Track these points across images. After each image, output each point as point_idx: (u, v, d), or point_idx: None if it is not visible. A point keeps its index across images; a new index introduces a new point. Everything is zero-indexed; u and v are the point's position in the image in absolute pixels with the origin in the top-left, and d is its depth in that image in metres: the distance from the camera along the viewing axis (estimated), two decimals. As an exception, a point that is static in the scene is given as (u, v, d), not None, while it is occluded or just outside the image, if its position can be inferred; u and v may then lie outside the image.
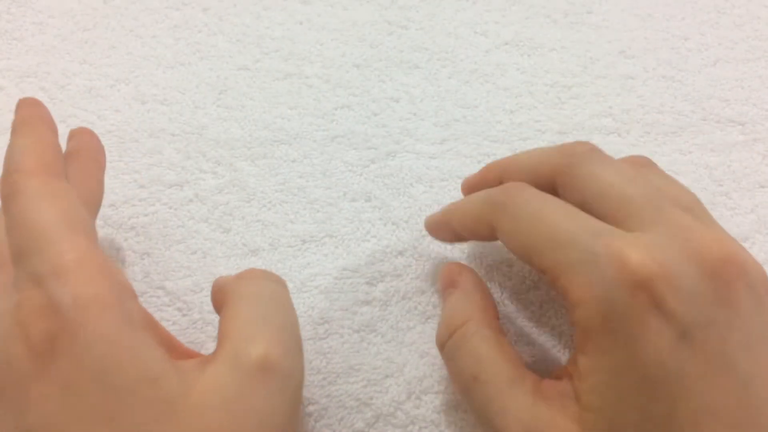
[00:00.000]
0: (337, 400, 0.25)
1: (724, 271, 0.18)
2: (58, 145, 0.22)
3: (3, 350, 0.17)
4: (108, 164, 0.31)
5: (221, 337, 0.20)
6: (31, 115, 0.22)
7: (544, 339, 0.26)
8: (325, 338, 0.26)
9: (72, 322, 0.17)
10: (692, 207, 0.21)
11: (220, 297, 0.21)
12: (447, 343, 0.22)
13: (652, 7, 0.39)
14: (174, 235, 0.29)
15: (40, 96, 0.33)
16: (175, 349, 0.22)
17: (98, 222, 0.29)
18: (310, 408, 0.25)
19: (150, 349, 0.18)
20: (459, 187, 0.31)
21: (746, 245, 0.29)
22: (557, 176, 0.22)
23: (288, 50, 0.36)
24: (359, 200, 0.30)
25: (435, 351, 0.26)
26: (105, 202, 0.30)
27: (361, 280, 0.28)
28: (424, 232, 0.29)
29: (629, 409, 0.17)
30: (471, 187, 0.26)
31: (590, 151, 0.22)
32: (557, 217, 0.20)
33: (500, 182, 0.24)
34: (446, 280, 0.25)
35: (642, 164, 0.24)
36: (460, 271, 0.25)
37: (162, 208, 0.30)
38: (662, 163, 0.32)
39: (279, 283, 0.22)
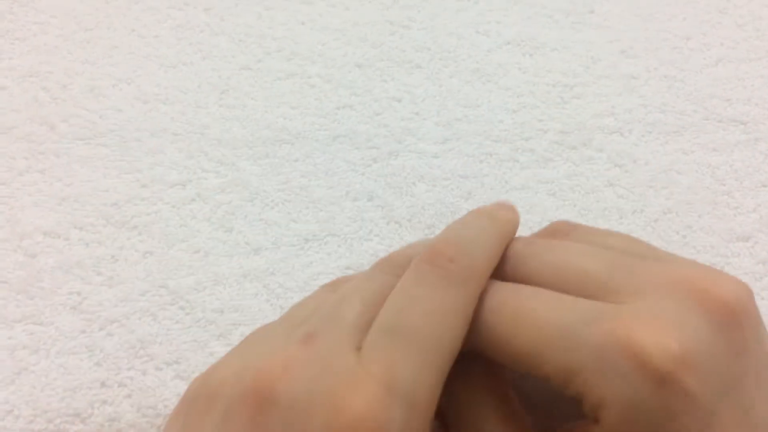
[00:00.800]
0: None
1: (733, 315, 0.17)
2: None
3: (306, 416, 0.16)
4: (110, 163, 0.31)
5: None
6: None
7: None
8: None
9: None
10: (644, 251, 0.20)
11: None
12: (445, 407, 0.20)
13: (654, 6, 0.39)
14: (176, 234, 0.29)
15: (42, 96, 0.33)
16: None
17: (100, 221, 0.29)
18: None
19: None
20: (461, 186, 0.31)
21: (748, 245, 0.29)
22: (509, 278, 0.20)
23: (290, 50, 0.36)
24: (361, 199, 0.30)
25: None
26: (107, 201, 0.30)
27: (364, 279, 0.28)
28: (427, 232, 0.29)
29: None
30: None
31: (525, 245, 0.21)
32: (538, 308, 0.18)
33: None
34: None
35: (567, 232, 0.22)
36: None
37: (164, 207, 0.30)
38: (664, 162, 0.32)
39: None
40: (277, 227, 0.29)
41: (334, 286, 0.23)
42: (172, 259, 0.28)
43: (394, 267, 0.21)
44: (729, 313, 0.17)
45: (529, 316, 0.18)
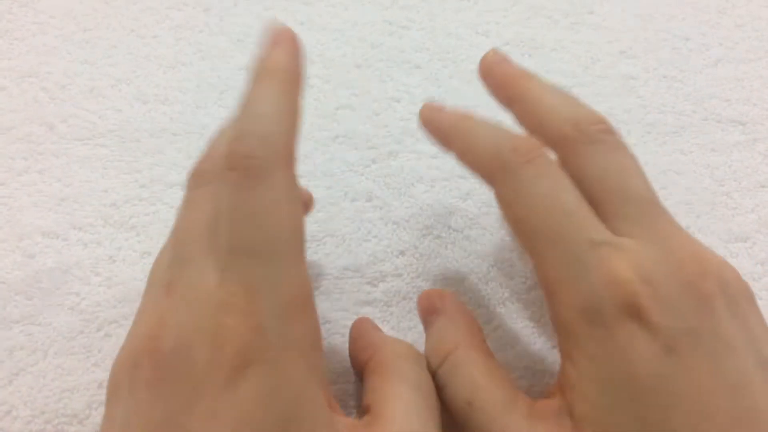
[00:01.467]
0: (337, 400, 0.25)
1: (701, 282, 0.18)
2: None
3: (191, 355, 0.17)
4: (109, 164, 0.31)
5: (381, 411, 0.20)
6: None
7: (545, 339, 0.26)
8: (326, 338, 0.26)
9: (271, 357, 0.17)
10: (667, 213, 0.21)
11: (372, 358, 0.22)
12: (438, 371, 0.22)
13: (653, 7, 0.39)
14: (175, 234, 0.29)
15: (41, 96, 0.33)
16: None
17: (98, 222, 0.29)
18: (311, 407, 0.24)
19: (323, 408, 0.18)
20: (460, 186, 0.31)
21: (747, 245, 0.29)
22: (561, 146, 0.22)
23: (289, 50, 0.36)
24: (360, 200, 0.30)
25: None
26: (106, 201, 0.30)
27: (362, 280, 0.28)
28: (426, 232, 0.29)
29: (623, 418, 0.18)
30: (489, 81, 0.25)
31: (600, 132, 0.22)
32: (560, 209, 0.20)
33: (510, 106, 0.24)
34: (427, 307, 0.24)
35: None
36: (440, 296, 0.24)
37: (163, 208, 0.30)
38: (663, 163, 0.32)
39: (428, 374, 0.22)
40: (276, 228, 0.29)
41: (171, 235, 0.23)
42: (170, 259, 0.28)
43: (204, 178, 0.20)
44: (701, 280, 0.18)
45: (558, 204, 0.20)
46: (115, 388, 0.18)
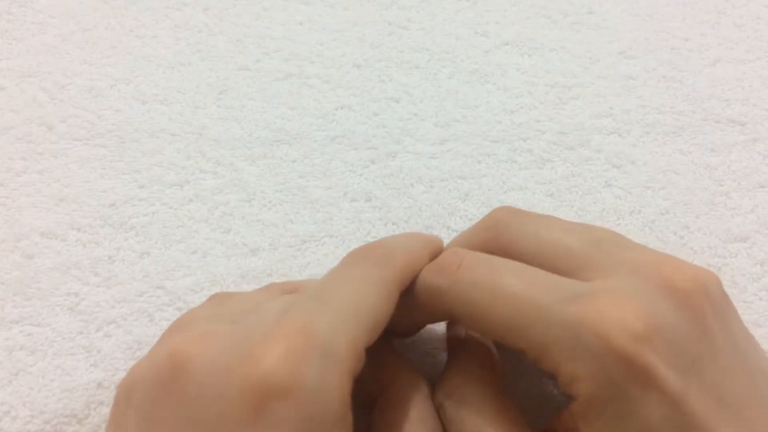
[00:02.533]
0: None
1: (693, 296, 0.18)
2: None
3: (222, 381, 0.16)
4: (108, 164, 0.31)
5: None
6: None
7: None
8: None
9: (300, 403, 0.16)
10: (620, 240, 0.21)
11: (386, 389, 0.22)
12: (445, 403, 0.21)
13: (653, 7, 0.39)
14: (174, 234, 0.29)
15: (40, 96, 0.33)
16: None
17: (98, 222, 0.29)
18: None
19: None
20: (459, 187, 0.31)
21: (746, 245, 0.29)
22: (490, 251, 0.21)
23: (288, 50, 0.36)
24: (359, 200, 0.30)
25: (436, 351, 0.26)
26: (105, 201, 0.30)
27: (361, 280, 0.28)
28: (425, 231, 0.29)
29: None
30: None
31: (511, 214, 0.22)
32: (514, 285, 0.19)
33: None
34: (451, 337, 0.24)
35: (554, 217, 0.23)
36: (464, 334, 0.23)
37: (162, 208, 0.30)
38: (662, 163, 0.32)
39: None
40: (275, 228, 0.29)
41: (265, 289, 0.23)
42: (169, 259, 0.28)
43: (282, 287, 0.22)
44: (691, 298, 0.18)
45: (506, 291, 0.19)
46: (127, 394, 0.18)
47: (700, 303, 0.18)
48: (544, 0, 0.39)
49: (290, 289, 0.22)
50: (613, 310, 0.17)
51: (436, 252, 0.22)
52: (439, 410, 0.21)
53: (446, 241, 0.29)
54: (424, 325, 0.25)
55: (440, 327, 0.26)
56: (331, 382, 0.17)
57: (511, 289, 0.19)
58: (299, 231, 0.29)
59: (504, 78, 0.35)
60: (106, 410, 0.24)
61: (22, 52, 0.35)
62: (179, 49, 0.36)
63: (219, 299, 0.23)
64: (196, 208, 0.30)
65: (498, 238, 0.21)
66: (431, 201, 0.30)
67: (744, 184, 0.31)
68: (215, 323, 0.19)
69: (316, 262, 0.28)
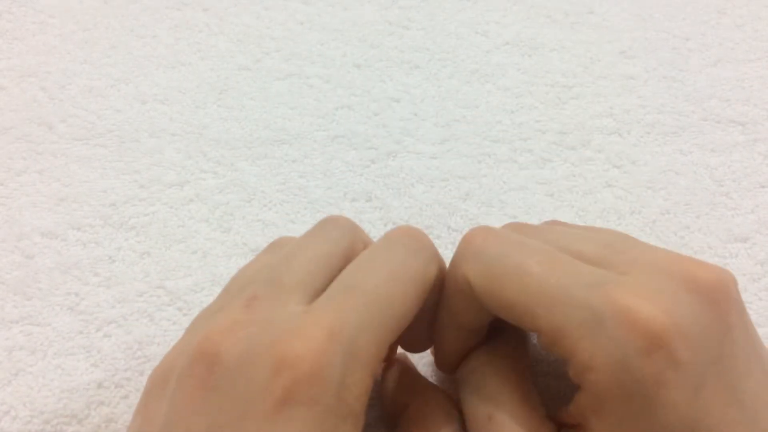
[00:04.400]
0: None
1: (718, 295, 0.17)
2: None
3: (249, 371, 0.16)
4: (108, 164, 0.31)
5: None
6: None
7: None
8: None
9: (324, 403, 0.16)
10: (633, 242, 0.21)
11: (411, 403, 0.21)
12: (464, 371, 0.21)
13: (653, 7, 0.39)
14: (174, 234, 0.29)
15: (40, 96, 0.33)
16: None
17: (98, 222, 0.29)
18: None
19: None
20: (459, 187, 0.31)
21: (746, 245, 0.29)
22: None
23: (289, 50, 0.36)
24: (360, 200, 0.30)
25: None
26: (105, 201, 0.30)
27: (362, 280, 0.28)
28: (425, 232, 0.29)
29: None
30: None
31: (519, 228, 0.22)
32: (541, 267, 0.18)
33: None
34: None
35: (558, 224, 0.23)
36: None
37: (162, 208, 0.30)
38: (662, 163, 0.32)
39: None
40: (275, 228, 0.29)
41: (273, 247, 0.23)
42: (169, 259, 0.28)
43: (338, 225, 0.21)
44: (715, 294, 0.17)
45: (531, 268, 0.18)
46: (161, 380, 0.18)
47: (724, 300, 0.17)
48: (544, 0, 0.39)
49: (346, 250, 0.21)
50: (640, 300, 0.17)
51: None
52: (458, 383, 0.21)
53: (447, 241, 0.29)
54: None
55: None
56: (352, 379, 0.17)
57: (537, 267, 0.18)
58: (299, 231, 0.29)
59: (504, 78, 0.35)
60: (106, 410, 0.24)
61: (22, 51, 0.35)
62: (179, 49, 0.36)
63: (273, 248, 0.22)
64: (197, 208, 0.30)
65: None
66: (431, 201, 0.30)
67: (744, 185, 0.31)
68: (233, 304, 0.19)
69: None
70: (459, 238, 0.29)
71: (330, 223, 0.22)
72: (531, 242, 0.20)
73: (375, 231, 0.29)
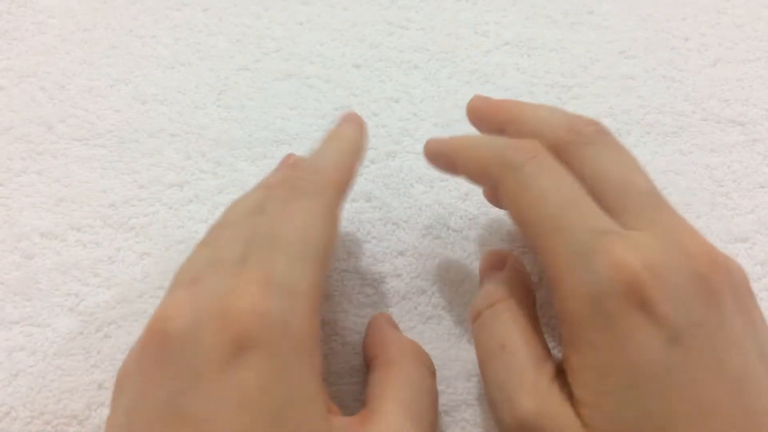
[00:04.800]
0: (338, 401, 0.25)
1: (712, 275, 0.18)
2: None
3: (197, 336, 0.17)
4: (107, 164, 0.31)
5: (376, 407, 0.20)
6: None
7: (547, 338, 0.26)
8: (325, 340, 0.26)
9: (273, 345, 0.17)
10: (663, 200, 0.22)
11: (380, 354, 0.23)
12: (484, 312, 0.22)
13: (653, 7, 0.39)
14: (174, 235, 0.29)
15: (40, 96, 0.33)
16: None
17: (97, 222, 0.29)
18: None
19: (319, 403, 0.18)
20: (459, 187, 0.31)
21: (746, 246, 0.29)
22: (560, 150, 0.22)
23: (288, 50, 0.36)
24: (359, 200, 0.30)
25: (436, 352, 0.26)
26: (104, 202, 0.30)
27: (362, 281, 0.28)
28: (425, 232, 0.29)
29: (622, 404, 0.18)
30: (480, 117, 0.26)
31: (595, 132, 0.22)
32: (564, 200, 0.20)
33: (504, 129, 0.24)
34: (489, 264, 0.25)
35: (615, 146, 0.24)
36: (504, 257, 0.25)
37: (162, 209, 0.30)
38: (662, 163, 0.32)
39: (433, 375, 0.23)
40: (275, 228, 0.29)
41: (206, 239, 0.24)
42: (169, 260, 0.28)
43: (261, 187, 0.24)
44: (711, 273, 0.18)
45: (554, 196, 0.20)
46: (124, 376, 0.19)
47: (719, 281, 0.18)
48: (544, 0, 0.39)
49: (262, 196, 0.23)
50: (633, 252, 0.18)
51: (360, 150, 0.24)
52: (472, 319, 0.23)
53: (447, 241, 0.29)
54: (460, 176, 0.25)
55: (435, 295, 0.26)
56: (296, 317, 0.18)
57: (559, 198, 0.20)
58: (299, 231, 0.29)
59: (504, 78, 0.35)
60: (106, 411, 0.24)
61: (21, 51, 0.35)
62: (179, 49, 0.36)
63: (206, 240, 0.23)
64: (196, 208, 0.30)
65: (573, 146, 0.22)
66: (431, 201, 0.30)
67: (744, 185, 0.31)
68: (179, 291, 0.19)
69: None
70: (459, 237, 0.29)
71: (253, 193, 0.23)
72: (565, 174, 0.21)
73: (375, 231, 0.29)
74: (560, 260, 0.19)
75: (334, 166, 0.23)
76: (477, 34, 0.37)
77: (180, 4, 0.38)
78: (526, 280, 0.24)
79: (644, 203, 0.21)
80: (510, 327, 0.22)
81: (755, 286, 0.28)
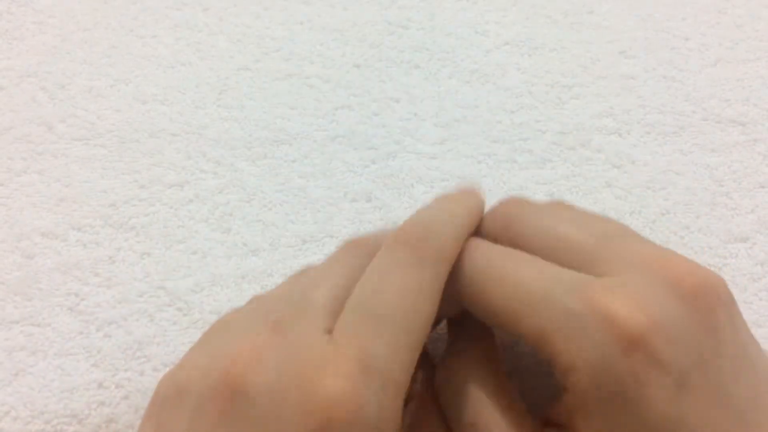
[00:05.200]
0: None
1: (704, 297, 0.18)
2: None
3: (279, 405, 0.16)
4: (108, 164, 0.31)
5: None
6: None
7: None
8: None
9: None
10: (630, 234, 0.21)
11: None
12: (444, 386, 0.21)
13: (653, 7, 0.39)
14: (174, 235, 0.29)
15: (40, 96, 0.33)
16: None
17: (98, 222, 0.29)
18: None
19: None
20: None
21: (746, 246, 0.29)
22: (498, 243, 0.21)
23: (288, 50, 0.36)
24: (360, 200, 0.30)
25: (435, 352, 0.26)
26: (105, 201, 0.30)
27: (362, 280, 0.28)
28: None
29: None
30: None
31: (519, 206, 0.22)
32: (523, 273, 0.19)
33: None
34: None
35: (565, 207, 0.23)
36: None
37: (162, 208, 0.30)
38: (662, 163, 0.32)
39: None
40: (275, 228, 0.29)
41: (297, 275, 0.23)
42: (170, 260, 0.28)
43: (362, 249, 0.21)
44: (701, 296, 0.17)
45: (513, 278, 0.19)
46: (176, 392, 0.17)
47: (709, 303, 0.18)
48: (544, 0, 0.39)
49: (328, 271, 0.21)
50: (620, 303, 0.17)
51: (477, 220, 0.22)
52: (438, 392, 0.21)
53: (446, 242, 0.29)
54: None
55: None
56: (389, 410, 0.17)
57: (519, 274, 0.19)
58: (299, 231, 0.29)
59: (504, 78, 0.35)
60: (106, 410, 0.24)
61: (22, 51, 0.35)
62: (179, 49, 0.36)
63: (297, 276, 0.22)
64: (197, 208, 0.30)
65: (506, 230, 0.21)
66: (431, 201, 0.30)
67: (744, 185, 0.31)
68: (258, 326, 0.18)
69: (317, 262, 0.28)
70: (459, 238, 0.29)
71: (352, 246, 0.22)
72: (515, 252, 0.20)
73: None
74: (550, 338, 0.18)
75: (456, 233, 0.20)
76: (477, 33, 0.37)
77: (180, 4, 0.38)
78: (486, 336, 0.22)
79: (603, 247, 0.19)
80: (476, 396, 0.20)
81: (755, 286, 0.28)
